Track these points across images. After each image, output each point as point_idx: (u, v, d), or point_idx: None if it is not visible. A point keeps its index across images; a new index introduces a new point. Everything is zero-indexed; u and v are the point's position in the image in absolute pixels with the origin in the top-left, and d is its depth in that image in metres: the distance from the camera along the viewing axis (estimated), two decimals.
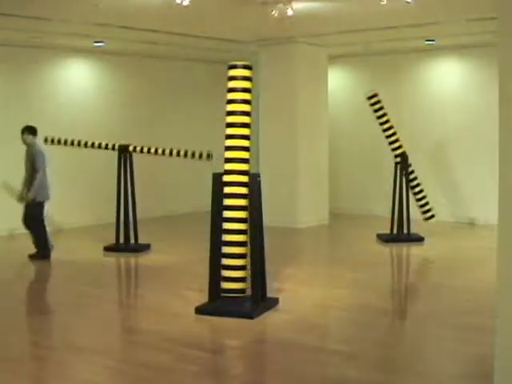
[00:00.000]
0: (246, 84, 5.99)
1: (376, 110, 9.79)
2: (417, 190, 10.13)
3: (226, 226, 5.98)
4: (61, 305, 6.53)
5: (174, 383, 4.46)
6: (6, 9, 7.73)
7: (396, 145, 9.81)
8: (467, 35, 10.13)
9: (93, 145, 9.35)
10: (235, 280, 6.02)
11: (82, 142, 9.37)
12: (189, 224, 12.04)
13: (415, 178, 10.07)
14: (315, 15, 8.62)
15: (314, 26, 9.70)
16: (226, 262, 6.00)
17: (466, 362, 4.76)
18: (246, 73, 6.01)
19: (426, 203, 10.24)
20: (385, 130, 9.83)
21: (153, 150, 9.08)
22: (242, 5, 7.91)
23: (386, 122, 9.80)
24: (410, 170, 9.94)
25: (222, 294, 6.06)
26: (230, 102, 5.99)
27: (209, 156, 8.83)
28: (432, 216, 10.32)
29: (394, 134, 9.81)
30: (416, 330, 5.71)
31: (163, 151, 9.06)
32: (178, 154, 8.99)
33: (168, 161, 12.78)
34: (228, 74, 6.03)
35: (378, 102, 9.76)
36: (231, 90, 6.00)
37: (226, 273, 6.01)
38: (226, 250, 5.99)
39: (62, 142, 9.42)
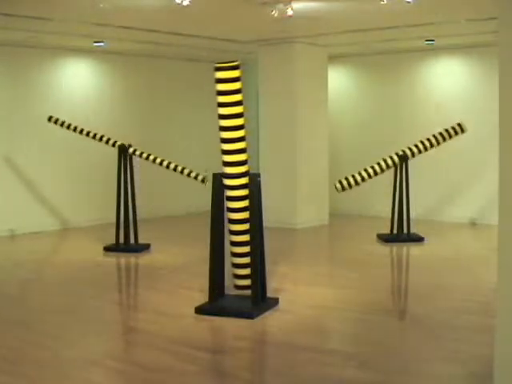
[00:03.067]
0: (235, 85, 5.67)
1: (356, 184, 9.49)
2: None
3: (232, 227, 6.04)
4: (60, 305, 6.52)
5: (173, 383, 4.46)
6: (6, 9, 7.73)
7: (390, 163, 9.66)
8: (467, 35, 10.13)
9: (94, 136, 9.33)
10: (246, 277, 6.12)
11: (85, 131, 9.37)
12: (189, 224, 12.03)
13: None
14: (315, 15, 8.61)
15: (314, 26, 9.69)
16: (237, 260, 6.13)
17: (465, 362, 4.75)
18: (234, 74, 5.66)
19: None
20: (376, 174, 9.58)
21: (151, 158, 9.09)
22: (241, 5, 7.91)
23: (368, 174, 9.49)
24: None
25: (236, 290, 6.27)
26: (222, 105, 5.71)
27: (203, 181, 8.86)
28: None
29: (379, 164, 9.59)
30: (416, 329, 5.71)
31: (161, 162, 9.08)
32: (175, 169, 9.02)
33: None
34: (215, 76, 5.66)
35: (349, 183, 9.42)
36: (221, 92, 5.68)
37: (239, 271, 6.16)
38: (235, 249, 6.11)
39: (65, 125, 9.44)
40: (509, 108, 3.52)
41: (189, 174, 8.94)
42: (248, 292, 6.11)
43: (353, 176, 9.51)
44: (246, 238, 6.02)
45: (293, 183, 11.21)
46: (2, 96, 10.58)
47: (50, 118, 9.59)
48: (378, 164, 9.60)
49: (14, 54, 10.61)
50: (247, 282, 6.14)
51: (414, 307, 6.61)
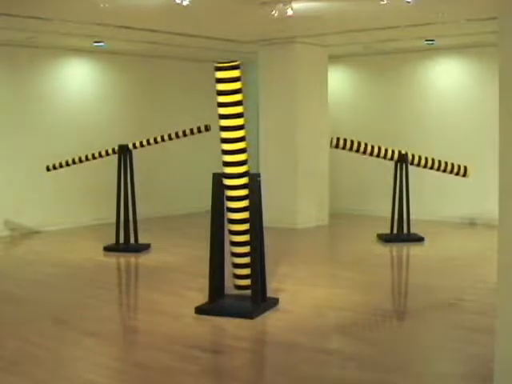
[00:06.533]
0: (235, 85, 5.68)
1: (350, 149, 9.47)
2: None
3: (232, 227, 6.03)
4: (60, 305, 6.52)
5: (173, 383, 4.46)
6: (6, 9, 7.73)
7: (389, 154, 9.67)
8: (467, 35, 10.13)
9: (94, 156, 9.40)
10: (247, 277, 6.11)
11: (83, 158, 9.42)
12: (189, 224, 12.03)
13: None
14: (315, 15, 8.62)
15: (314, 26, 9.69)
16: (237, 260, 6.12)
17: (466, 362, 4.76)
18: (234, 73, 5.67)
19: None
20: (371, 154, 9.59)
21: (152, 141, 9.14)
22: (241, 5, 7.91)
23: (365, 148, 9.46)
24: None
25: (236, 291, 6.24)
26: (222, 105, 5.72)
27: (206, 128, 8.91)
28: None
29: (379, 148, 9.59)
30: (416, 329, 5.71)
31: (162, 137, 9.15)
32: (177, 135, 9.09)
33: (168, 160, 12.86)
34: (215, 75, 5.67)
35: (345, 144, 9.38)
36: (221, 92, 5.69)
37: (239, 271, 6.14)
38: (235, 249, 6.10)
39: (64, 164, 9.51)
40: (509, 108, 3.51)
41: (192, 131, 9.00)
42: (248, 292, 6.10)
43: (351, 141, 9.43)
44: (246, 238, 6.02)
45: (293, 183, 11.21)
46: (2, 96, 10.57)
47: (48, 168, 9.62)
48: (379, 148, 9.57)
49: (14, 54, 10.61)
50: (248, 282, 6.13)
51: (413, 307, 6.61)
